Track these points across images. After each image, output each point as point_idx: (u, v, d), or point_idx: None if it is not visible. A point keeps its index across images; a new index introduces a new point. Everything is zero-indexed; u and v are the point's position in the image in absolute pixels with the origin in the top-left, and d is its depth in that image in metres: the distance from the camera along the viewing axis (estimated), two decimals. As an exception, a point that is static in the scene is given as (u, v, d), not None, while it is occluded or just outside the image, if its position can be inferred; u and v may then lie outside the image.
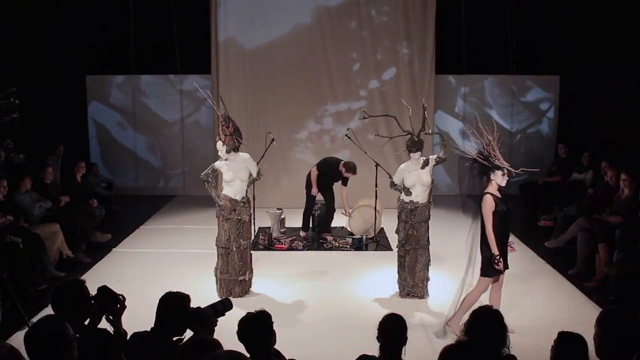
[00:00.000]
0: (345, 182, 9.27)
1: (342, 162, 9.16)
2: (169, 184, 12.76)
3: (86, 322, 3.50)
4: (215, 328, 3.55)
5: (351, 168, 9.08)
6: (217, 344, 3.04)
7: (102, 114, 12.58)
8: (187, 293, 3.64)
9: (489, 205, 5.60)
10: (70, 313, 3.36)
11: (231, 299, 3.93)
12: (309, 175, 9.32)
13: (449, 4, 11.72)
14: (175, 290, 3.65)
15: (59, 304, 3.45)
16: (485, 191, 5.66)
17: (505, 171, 5.57)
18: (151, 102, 12.52)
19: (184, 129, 12.58)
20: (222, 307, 3.58)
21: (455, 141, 12.49)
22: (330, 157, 9.52)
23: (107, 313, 3.53)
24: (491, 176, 5.65)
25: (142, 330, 3.58)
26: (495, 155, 5.60)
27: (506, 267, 5.76)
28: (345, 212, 9.34)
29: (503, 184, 5.64)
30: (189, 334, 3.53)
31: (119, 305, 3.56)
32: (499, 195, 5.66)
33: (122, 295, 3.61)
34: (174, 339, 3.49)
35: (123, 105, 12.54)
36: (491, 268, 5.66)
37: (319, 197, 9.34)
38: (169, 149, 12.66)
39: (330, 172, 9.18)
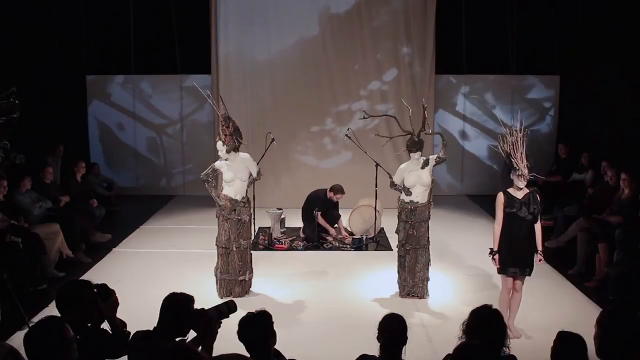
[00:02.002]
0: (337, 207, 9.29)
1: (327, 189, 9.14)
2: (170, 183, 12.81)
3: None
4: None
5: (339, 190, 9.08)
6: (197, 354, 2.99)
7: (103, 113, 12.61)
8: (191, 294, 3.63)
9: (497, 202, 5.72)
10: (73, 313, 3.36)
11: (231, 299, 3.93)
12: (304, 209, 9.19)
13: (449, 4, 11.72)
14: (178, 291, 3.64)
15: (63, 304, 3.45)
16: (505, 189, 5.76)
17: (519, 172, 5.58)
18: (152, 101, 12.55)
19: (184, 127, 12.60)
20: (227, 309, 3.58)
21: (456, 140, 12.56)
22: (316, 192, 9.26)
23: (100, 309, 3.52)
24: (511, 175, 5.69)
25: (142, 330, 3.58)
26: (514, 156, 5.61)
27: (515, 272, 5.73)
28: (343, 234, 9.34)
29: (519, 184, 5.64)
30: (192, 335, 3.55)
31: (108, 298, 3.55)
32: (517, 196, 5.66)
33: (111, 289, 3.60)
34: (177, 339, 3.48)
35: (124, 104, 12.56)
36: (499, 265, 5.73)
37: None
38: (170, 148, 12.70)
39: (325, 206, 9.11)
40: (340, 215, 9.43)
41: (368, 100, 11.44)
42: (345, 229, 9.55)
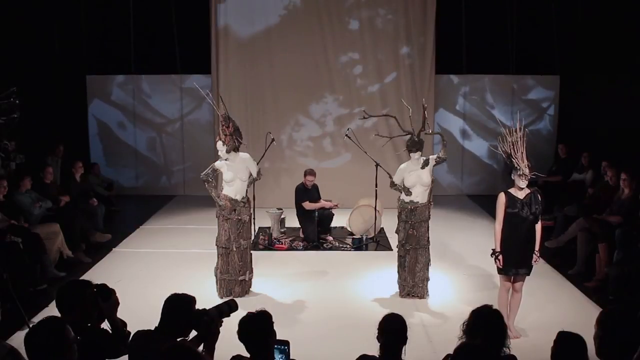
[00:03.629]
0: (318, 192, 9.28)
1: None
2: (170, 182, 12.82)
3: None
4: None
5: (308, 173, 9.12)
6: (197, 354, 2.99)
7: (103, 112, 12.61)
8: (193, 295, 3.63)
9: (499, 202, 5.72)
10: (74, 313, 3.36)
11: (232, 298, 3.93)
12: (298, 210, 9.18)
13: (449, 4, 11.73)
14: (180, 292, 3.64)
15: (63, 304, 3.44)
16: (507, 190, 5.76)
17: (520, 172, 5.58)
18: (152, 100, 12.55)
19: (184, 126, 12.61)
20: (228, 308, 3.59)
21: (456, 140, 12.56)
22: (296, 187, 9.23)
23: (100, 309, 3.52)
24: (512, 175, 5.69)
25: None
26: (515, 156, 5.61)
27: (517, 272, 5.74)
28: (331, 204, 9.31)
29: (520, 184, 5.64)
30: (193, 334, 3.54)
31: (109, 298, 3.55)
32: (519, 196, 5.66)
33: (112, 288, 3.61)
34: (178, 339, 3.48)
35: (124, 103, 12.56)
36: (502, 266, 5.73)
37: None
38: (170, 147, 12.71)
39: (307, 194, 9.13)
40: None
41: (368, 100, 11.43)
42: (345, 229, 9.57)
